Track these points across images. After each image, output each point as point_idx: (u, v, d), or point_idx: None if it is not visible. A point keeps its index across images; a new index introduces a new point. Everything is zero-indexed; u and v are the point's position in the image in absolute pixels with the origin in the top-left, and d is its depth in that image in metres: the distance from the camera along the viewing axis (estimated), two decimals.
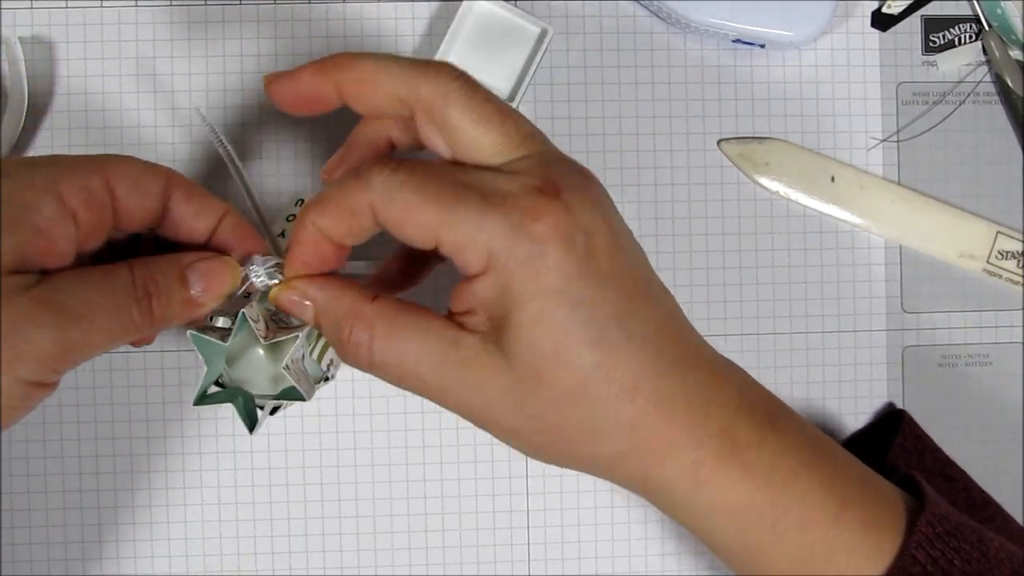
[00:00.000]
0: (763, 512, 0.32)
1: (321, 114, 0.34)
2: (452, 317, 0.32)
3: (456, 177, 0.31)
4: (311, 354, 0.38)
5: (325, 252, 0.33)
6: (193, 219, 0.34)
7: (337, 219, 0.31)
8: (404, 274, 0.38)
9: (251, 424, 0.36)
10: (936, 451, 0.43)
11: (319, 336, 0.38)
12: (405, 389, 0.32)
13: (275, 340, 0.35)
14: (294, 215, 0.39)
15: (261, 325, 0.35)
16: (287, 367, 0.35)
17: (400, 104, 0.32)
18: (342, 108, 0.34)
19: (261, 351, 0.37)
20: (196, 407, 0.37)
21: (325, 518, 0.45)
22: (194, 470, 0.44)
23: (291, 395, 0.36)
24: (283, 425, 0.45)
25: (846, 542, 0.33)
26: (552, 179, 0.30)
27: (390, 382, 0.32)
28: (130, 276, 0.32)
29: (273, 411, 0.37)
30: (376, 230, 0.32)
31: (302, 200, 0.39)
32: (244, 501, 0.45)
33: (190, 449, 0.44)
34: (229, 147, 0.37)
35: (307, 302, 0.33)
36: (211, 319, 0.35)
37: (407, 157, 0.32)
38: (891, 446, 0.42)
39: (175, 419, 0.44)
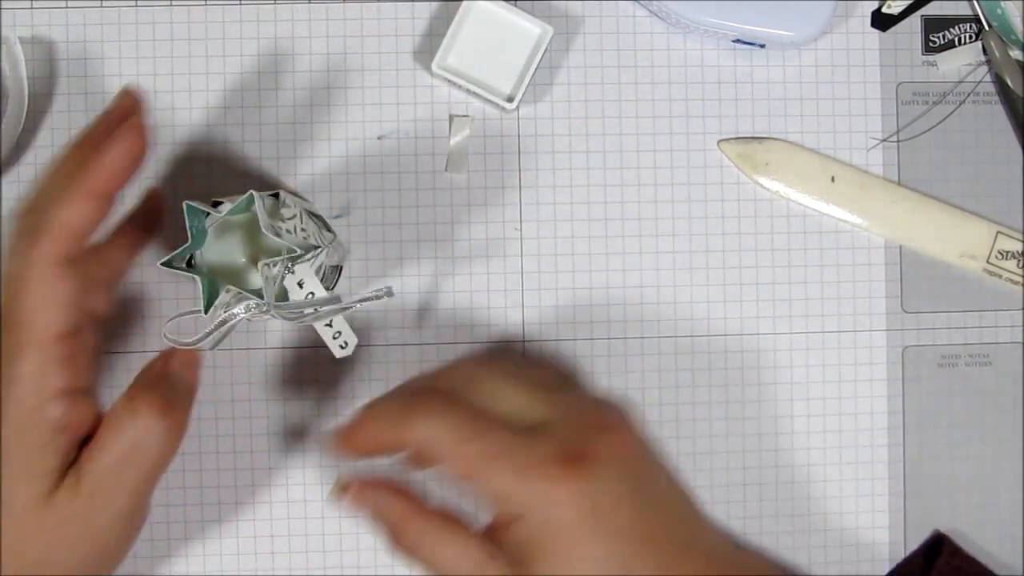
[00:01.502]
0: None
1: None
2: (490, 534, 0.36)
3: (495, 437, 0.35)
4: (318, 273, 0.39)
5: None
6: None
7: (374, 438, 0.37)
8: None
9: (207, 305, 0.36)
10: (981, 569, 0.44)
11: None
12: None
13: (276, 227, 0.36)
14: (314, 213, 0.39)
15: (263, 217, 0.36)
16: (268, 265, 0.36)
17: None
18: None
19: (242, 258, 0.38)
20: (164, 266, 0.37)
21: (325, 518, 0.45)
22: (193, 470, 0.44)
23: (253, 291, 0.36)
24: (283, 425, 0.45)
25: None
26: (578, 446, 0.35)
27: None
28: None
29: (223, 324, 0.37)
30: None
31: (310, 211, 0.40)
32: (244, 501, 0.45)
33: (189, 449, 0.44)
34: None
35: (368, 507, 0.38)
36: (216, 204, 0.37)
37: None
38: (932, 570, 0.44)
39: None
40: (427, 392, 0.38)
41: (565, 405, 0.37)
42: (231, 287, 0.36)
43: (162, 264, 0.36)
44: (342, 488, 0.38)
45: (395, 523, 0.37)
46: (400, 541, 0.37)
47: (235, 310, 0.36)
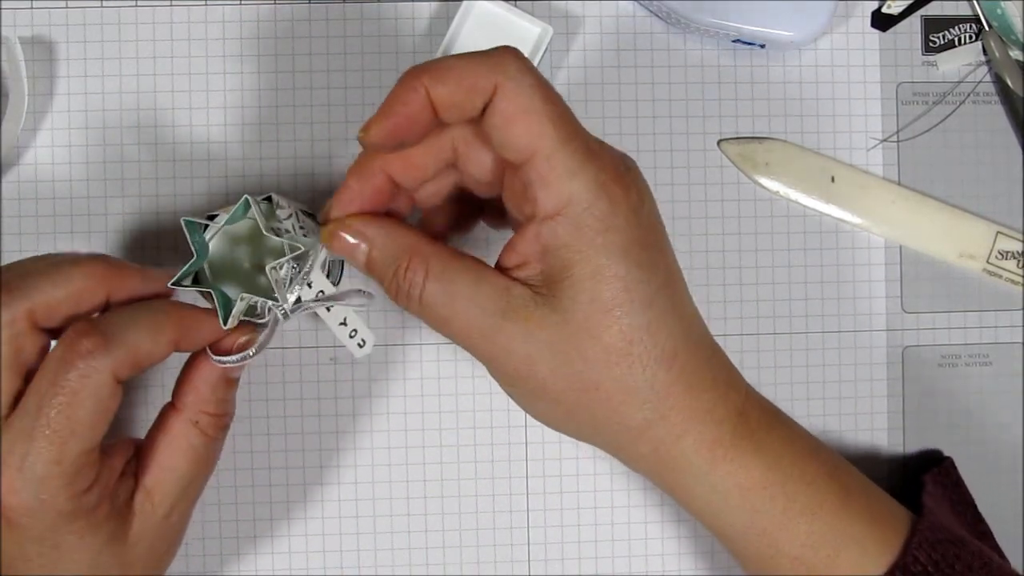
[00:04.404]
0: (774, 493, 0.33)
1: (413, 143, 0.33)
2: (503, 271, 0.33)
3: (571, 113, 0.32)
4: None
5: (416, 123, 0.32)
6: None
7: (455, 89, 0.31)
8: (451, 224, 0.38)
9: (225, 316, 0.36)
10: (968, 496, 0.43)
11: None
12: (446, 335, 0.33)
13: (275, 228, 0.36)
14: (308, 211, 0.40)
15: (261, 219, 0.35)
16: (275, 267, 0.35)
17: (482, 92, 0.31)
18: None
19: (246, 264, 0.38)
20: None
21: (325, 518, 0.45)
22: None
23: (265, 294, 0.36)
24: (283, 425, 0.45)
25: (852, 532, 0.34)
26: (621, 164, 0.33)
27: (434, 325, 0.33)
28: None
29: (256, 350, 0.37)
30: (460, 120, 0.32)
31: (304, 210, 0.40)
32: (244, 501, 0.45)
33: None
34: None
35: (362, 242, 0.33)
36: (211, 218, 0.37)
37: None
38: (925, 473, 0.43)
39: None
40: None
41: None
42: (244, 295, 0.36)
43: (171, 284, 0.35)
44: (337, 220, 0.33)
45: (400, 252, 0.33)
46: (406, 274, 0.33)
47: (259, 340, 0.36)
